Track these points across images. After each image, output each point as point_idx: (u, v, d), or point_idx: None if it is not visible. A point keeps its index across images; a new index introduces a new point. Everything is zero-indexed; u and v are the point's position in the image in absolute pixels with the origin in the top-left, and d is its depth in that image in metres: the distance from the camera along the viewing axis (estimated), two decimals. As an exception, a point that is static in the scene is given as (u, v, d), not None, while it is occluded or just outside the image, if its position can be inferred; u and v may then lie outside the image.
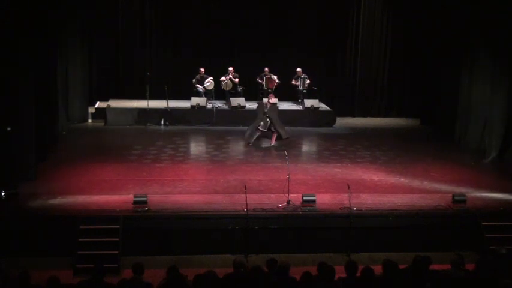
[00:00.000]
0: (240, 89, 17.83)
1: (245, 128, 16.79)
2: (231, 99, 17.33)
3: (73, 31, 16.26)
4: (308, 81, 17.85)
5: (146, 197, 10.47)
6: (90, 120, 17.12)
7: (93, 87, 18.24)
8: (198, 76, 17.52)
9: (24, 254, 9.51)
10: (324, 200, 10.92)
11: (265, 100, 14.98)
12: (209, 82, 17.48)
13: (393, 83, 19.51)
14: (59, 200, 10.53)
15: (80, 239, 9.64)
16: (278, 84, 17.75)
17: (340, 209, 10.51)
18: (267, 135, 14.82)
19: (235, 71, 17.76)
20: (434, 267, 7.26)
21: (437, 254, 8.42)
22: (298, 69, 17.90)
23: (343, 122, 18.20)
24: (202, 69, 17.52)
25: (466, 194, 11.22)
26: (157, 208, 10.29)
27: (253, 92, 18.12)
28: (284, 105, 17.78)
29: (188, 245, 10.16)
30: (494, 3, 14.06)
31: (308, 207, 10.60)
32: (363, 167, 13.40)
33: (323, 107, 17.88)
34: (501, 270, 7.05)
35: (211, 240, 10.26)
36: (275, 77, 17.80)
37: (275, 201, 10.73)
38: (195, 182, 11.90)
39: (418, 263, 7.16)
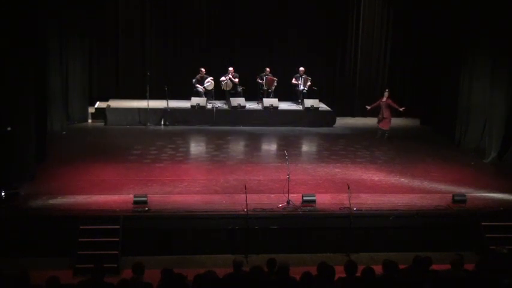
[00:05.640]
0: (240, 89, 17.83)
1: (245, 128, 16.87)
2: (231, 99, 17.33)
3: (73, 31, 16.25)
4: (309, 83, 17.85)
5: (146, 197, 10.47)
6: (90, 120, 17.10)
7: (93, 87, 18.23)
8: (198, 76, 17.52)
9: (24, 254, 9.52)
10: (324, 200, 10.93)
11: None
12: (209, 82, 17.47)
13: (393, 83, 19.50)
14: (59, 200, 10.53)
15: (80, 239, 9.65)
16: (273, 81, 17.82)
17: (340, 209, 10.52)
18: None
19: (235, 71, 17.76)
20: (434, 267, 7.26)
21: (437, 254, 8.43)
22: (301, 68, 17.88)
23: (343, 122, 18.19)
24: (203, 69, 17.51)
25: (466, 194, 11.23)
26: (157, 208, 10.29)
27: (253, 92, 18.12)
28: (284, 105, 17.79)
29: (188, 245, 10.17)
30: (494, 3, 14.06)
31: (308, 207, 10.61)
32: (363, 167, 13.40)
33: (323, 107, 17.88)
34: (501, 270, 7.05)
35: (211, 240, 10.27)
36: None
37: (275, 201, 10.73)
38: (195, 182, 11.90)
39: (418, 263, 7.16)
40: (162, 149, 14.38)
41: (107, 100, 17.78)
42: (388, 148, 15.18)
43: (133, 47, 18.56)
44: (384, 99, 15.87)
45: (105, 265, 7.36)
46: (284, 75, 18.22)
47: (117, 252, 9.62)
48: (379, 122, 16.11)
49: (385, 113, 15.85)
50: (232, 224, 10.21)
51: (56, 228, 9.86)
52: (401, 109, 16.05)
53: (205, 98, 17.19)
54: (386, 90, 16.12)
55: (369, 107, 16.38)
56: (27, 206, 10.23)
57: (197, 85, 17.46)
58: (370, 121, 18.73)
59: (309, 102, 17.39)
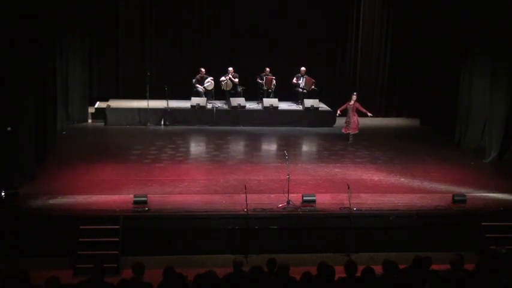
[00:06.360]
0: (240, 89, 17.83)
1: (245, 128, 16.87)
2: (231, 99, 17.33)
3: (73, 31, 16.25)
4: (313, 86, 17.81)
5: (146, 197, 10.48)
6: (90, 120, 17.11)
7: (93, 87, 18.24)
8: (198, 76, 17.52)
9: (24, 254, 9.52)
10: (324, 200, 10.93)
11: None
12: (209, 82, 17.47)
13: (393, 83, 19.51)
14: (59, 200, 10.54)
15: (80, 239, 9.65)
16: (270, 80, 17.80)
17: (340, 209, 10.52)
18: None
19: (235, 71, 17.76)
20: (434, 267, 7.27)
21: (437, 254, 8.43)
22: (302, 68, 17.87)
23: (343, 122, 18.14)
24: (203, 69, 17.51)
25: (466, 194, 11.23)
26: (157, 208, 10.30)
27: (253, 92, 18.12)
28: (284, 105, 17.79)
29: (188, 245, 10.17)
30: (494, 3, 14.06)
31: (308, 207, 10.61)
32: (363, 167, 13.40)
33: (323, 107, 17.88)
34: (501, 270, 7.05)
35: (211, 240, 10.27)
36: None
37: (275, 201, 10.74)
38: (195, 182, 11.90)
39: (418, 263, 7.16)
40: (162, 149, 14.38)
41: (107, 100, 17.78)
42: (388, 148, 15.18)
43: (133, 47, 18.56)
44: (351, 102, 15.22)
45: (105, 265, 7.36)
46: (284, 75, 18.21)
47: (117, 252, 9.62)
48: (346, 128, 15.39)
49: (352, 117, 15.22)
50: (232, 224, 10.21)
51: (56, 228, 9.86)
52: (369, 114, 15.59)
53: (205, 98, 17.19)
54: (354, 93, 15.51)
55: (339, 111, 15.74)
56: (27, 206, 10.23)
57: (197, 85, 17.46)
58: (370, 121, 18.71)
59: (309, 102, 17.40)
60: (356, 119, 15.34)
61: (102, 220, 9.93)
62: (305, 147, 15.87)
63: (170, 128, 16.70)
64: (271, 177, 12.28)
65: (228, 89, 17.70)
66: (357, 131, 15.39)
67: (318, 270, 6.92)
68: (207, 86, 17.47)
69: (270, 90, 17.92)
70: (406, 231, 10.58)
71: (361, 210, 10.51)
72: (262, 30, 18.81)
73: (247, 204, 10.06)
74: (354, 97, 15.32)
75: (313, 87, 17.91)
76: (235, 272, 7.08)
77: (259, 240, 10.21)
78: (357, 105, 15.30)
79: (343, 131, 15.49)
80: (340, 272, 6.86)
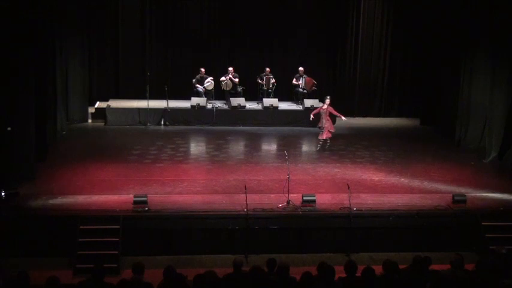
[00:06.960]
0: (240, 89, 17.82)
1: (245, 128, 16.86)
2: (231, 99, 17.33)
3: (73, 31, 16.25)
4: (314, 88, 17.78)
5: (146, 197, 10.48)
6: (90, 120, 17.11)
7: (93, 87, 18.24)
8: (198, 76, 17.52)
9: (24, 254, 9.53)
10: (324, 200, 10.93)
11: None
12: (209, 82, 17.47)
13: (393, 83, 19.49)
14: (59, 200, 10.54)
15: (80, 239, 9.65)
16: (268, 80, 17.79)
17: (340, 209, 10.53)
18: None
19: (235, 71, 17.76)
20: (434, 267, 7.27)
21: (437, 254, 8.44)
22: (301, 68, 17.88)
23: (343, 122, 18.15)
24: (203, 69, 17.51)
25: (466, 194, 11.24)
26: (157, 208, 10.30)
27: (253, 92, 18.12)
28: (284, 105, 17.79)
29: (188, 245, 10.18)
30: (494, 4, 14.06)
31: (308, 207, 10.61)
32: (363, 167, 13.40)
33: (323, 107, 17.86)
34: (501, 270, 7.06)
35: (211, 240, 10.28)
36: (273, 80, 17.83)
37: (275, 201, 10.74)
38: (195, 182, 11.90)
39: (418, 263, 7.17)
40: (162, 149, 14.38)
41: (107, 100, 17.77)
42: (388, 148, 15.17)
43: (133, 47, 18.55)
44: (325, 106, 14.46)
45: (105, 265, 7.36)
46: (284, 75, 18.21)
47: (117, 252, 9.62)
48: (319, 133, 14.63)
49: (325, 122, 14.39)
50: (232, 224, 10.22)
51: (56, 228, 9.87)
52: (343, 118, 14.91)
53: (205, 98, 17.19)
54: (328, 97, 14.63)
55: (312, 116, 14.92)
56: (27, 206, 10.23)
57: (197, 85, 17.46)
58: (370, 121, 18.80)
59: (309, 102, 17.39)
60: (329, 124, 14.54)
61: (102, 220, 9.94)
62: (305, 147, 15.86)
63: (170, 128, 16.70)
64: (271, 177, 12.28)
65: (228, 89, 17.71)
66: (330, 136, 14.59)
67: (318, 270, 6.92)
68: (207, 86, 17.47)
69: (270, 91, 17.92)
70: (406, 231, 10.59)
71: (361, 210, 10.51)
72: (262, 30, 18.79)
73: (247, 204, 10.07)
74: (327, 101, 14.57)
75: (314, 88, 17.91)
76: (235, 272, 7.08)
77: (259, 240, 10.22)
78: (330, 109, 14.58)
79: (319, 137, 14.68)
80: (340, 272, 6.86)
